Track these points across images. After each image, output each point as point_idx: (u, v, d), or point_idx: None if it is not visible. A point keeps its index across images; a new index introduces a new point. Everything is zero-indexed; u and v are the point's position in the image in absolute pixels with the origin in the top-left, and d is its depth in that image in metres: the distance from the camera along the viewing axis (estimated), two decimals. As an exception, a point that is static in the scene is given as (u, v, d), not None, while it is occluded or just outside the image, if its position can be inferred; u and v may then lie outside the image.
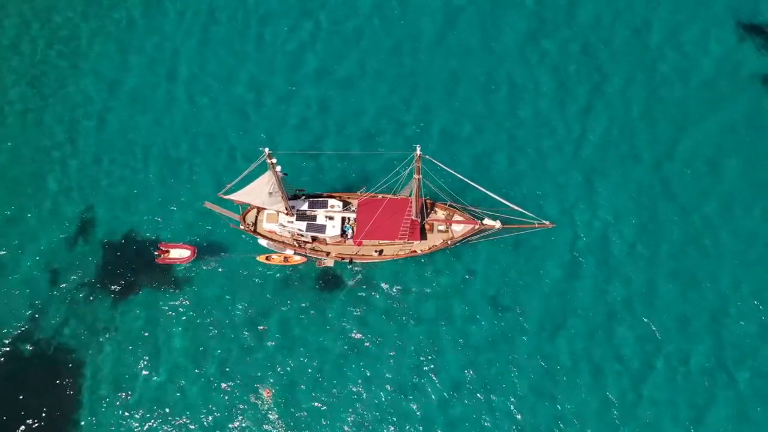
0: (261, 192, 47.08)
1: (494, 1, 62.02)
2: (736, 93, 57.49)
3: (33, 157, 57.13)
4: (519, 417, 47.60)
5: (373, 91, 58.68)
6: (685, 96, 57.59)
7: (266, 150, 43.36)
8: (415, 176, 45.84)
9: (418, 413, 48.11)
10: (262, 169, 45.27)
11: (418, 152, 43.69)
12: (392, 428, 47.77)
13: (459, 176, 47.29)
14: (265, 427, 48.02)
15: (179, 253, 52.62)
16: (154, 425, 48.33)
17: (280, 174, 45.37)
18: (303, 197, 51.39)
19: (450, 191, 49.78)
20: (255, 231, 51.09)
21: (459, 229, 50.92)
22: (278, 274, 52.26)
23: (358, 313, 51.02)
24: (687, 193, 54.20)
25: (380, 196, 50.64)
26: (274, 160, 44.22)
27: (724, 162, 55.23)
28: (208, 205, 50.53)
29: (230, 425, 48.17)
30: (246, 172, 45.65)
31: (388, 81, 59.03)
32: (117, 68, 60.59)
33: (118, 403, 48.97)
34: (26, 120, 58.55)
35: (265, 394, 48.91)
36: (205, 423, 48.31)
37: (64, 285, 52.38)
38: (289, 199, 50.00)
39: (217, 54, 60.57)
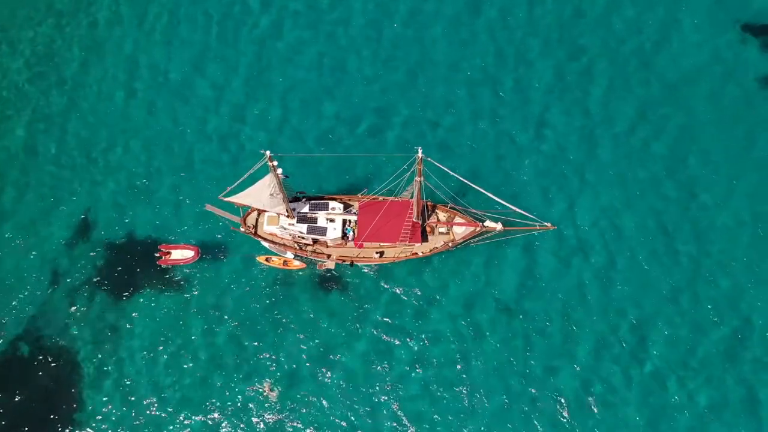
0: (262, 195, 47.03)
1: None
2: (739, 95, 57.68)
3: (34, 157, 57.22)
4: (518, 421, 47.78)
5: (372, 91, 58.70)
6: (689, 99, 57.88)
7: (267, 152, 43.34)
8: (417, 178, 45.85)
9: (416, 413, 48.20)
10: (263, 171, 45.29)
11: (420, 155, 43.70)
12: (392, 427, 47.86)
13: (460, 178, 47.39)
14: (268, 425, 48.09)
15: (181, 254, 52.66)
16: (155, 425, 48.39)
17: (281, 176, 45.37)
18: (304, 199, 51.41)
19: (451, 193, 49.74)
20: (255, 233, 51.08)
21: (460, 231, 50.90)
22: (279, 276, 52.32)
23: (359, 315, 51.03)
24: (689, 195, 54.33)
25: (381, 198, 50.68)
26: (275, 163, 44.20)
27: (729, 164, 55.46)
28: (209, 207, 50.57)
29: (232, 425, 48.25)
30: (246, 174, 45.68)
31: (385, 81, 59.11)
32: (117, 68, 60.71)
33: (118, 403, 49.03)
34: (27, 119, 58.78)
35: (268, 392, 48.97)
36: (206, 422, 48.38)
37: (64, 287, 52.43)
38: (290, 201, 50.01)
39: (213, 56, 60.65)
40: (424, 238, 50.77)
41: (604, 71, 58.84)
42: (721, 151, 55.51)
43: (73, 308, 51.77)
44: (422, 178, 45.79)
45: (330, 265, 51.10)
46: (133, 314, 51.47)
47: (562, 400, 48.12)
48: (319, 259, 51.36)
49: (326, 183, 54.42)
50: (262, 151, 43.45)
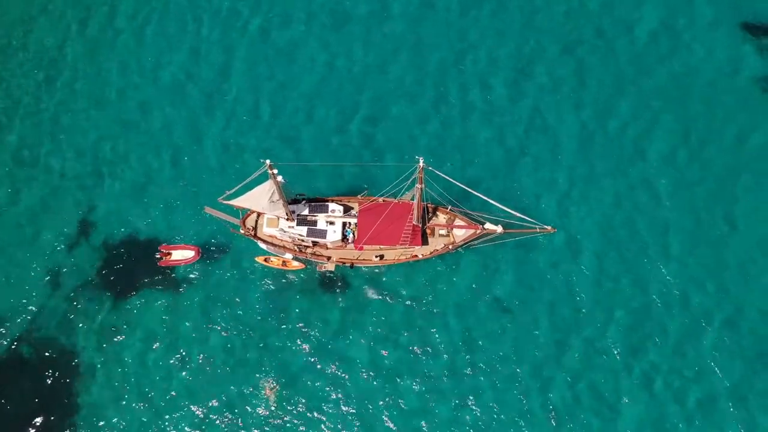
0: (261, 199, 46.79)
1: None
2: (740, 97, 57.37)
3: (35, 157, 56.77)
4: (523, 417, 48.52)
5: (372, 97, 58.23)
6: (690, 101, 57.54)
7: (267, 162, 43.02)
8: (418, 186, 45.55)
9: (414, 414, 48.85)
10: (263, 177, 44.95)
11: (421, 164, 43.38)
12: (391, 427, 48.55)
13: (461, 186, 47.08)
14: (267, 425, 48.64)
15: (182, 254, 52.61)
16: (154, 424, 48.90)
17: (281, 182, 45.06)
18: (303, 201, 51.09)
19: (451, 198, 49.47)
20: (255, 235, 50.91)
21: (461, 233, 50.79)
22: (279, 277, 52.39)
23: (358, 316, 51.26)
24: (690, 194, 54.32)
25: (381, 200, 50.42)
26: (275, 171, 43.87)
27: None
28: (208, 210, 50.34)
29: (231, 424, 48.75)
30: (246, 181, 45.38)
31: (385, 85, 58.65)
32: (118, 69, 60.06)
33: (117, 402, 49.43)
34: (27, 119, 58.28)
35: (268, 392, 49.50)
36: (205, 422, 48.89)
37: (65, 287, 52.46)
38: (290, 204, 49.73)
39: (216, 58, 59.97)
40: (425, 241, 50.70)
41: (597, 73, 58.41)
42: (715, 151, 55.65)
43: (74, 309, 51.84)
44: (423, 186, 45.51)
45: (330, 266, 51.07)
46: (133, 314, 51.62)
47: (553, 398, 48.91)
48: (318, 261, 51.34)
49: (325, 188, 54.10)
50: (261, 161, 43.10)
